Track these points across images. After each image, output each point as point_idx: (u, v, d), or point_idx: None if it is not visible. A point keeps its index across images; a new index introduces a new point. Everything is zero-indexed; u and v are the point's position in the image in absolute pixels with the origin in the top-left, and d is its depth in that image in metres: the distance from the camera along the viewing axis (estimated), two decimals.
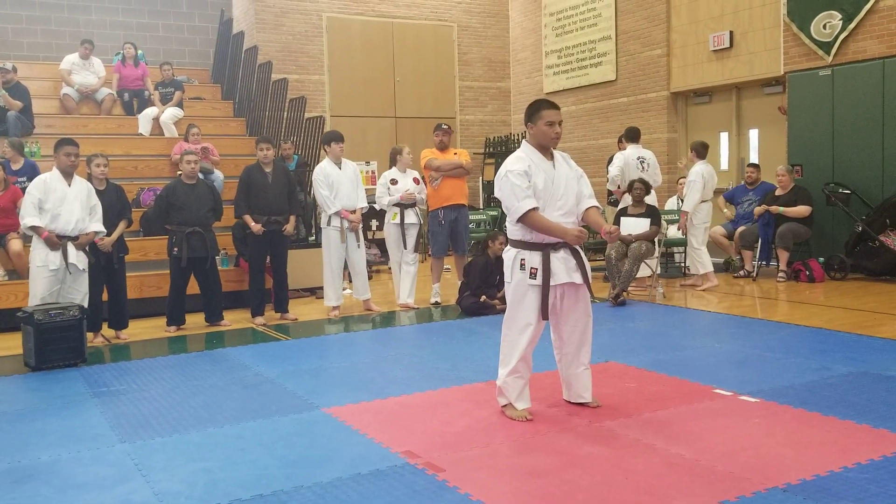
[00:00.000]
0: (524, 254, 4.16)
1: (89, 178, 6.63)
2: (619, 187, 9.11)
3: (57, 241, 6.09)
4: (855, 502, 2.98)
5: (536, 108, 4.21)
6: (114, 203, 6.67)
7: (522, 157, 4.18)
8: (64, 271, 6.14)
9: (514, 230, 4.21)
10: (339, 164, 7.68)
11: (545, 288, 4.10)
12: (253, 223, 7.30)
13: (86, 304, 6.19)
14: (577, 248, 4.23)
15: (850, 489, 3.11)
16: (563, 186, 4.18)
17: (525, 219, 4.08)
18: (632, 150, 9.14)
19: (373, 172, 12.79)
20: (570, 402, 4.43)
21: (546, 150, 4.23)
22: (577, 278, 4.18)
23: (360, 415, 4.36)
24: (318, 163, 10.17)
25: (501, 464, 3.56)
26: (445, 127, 8.23)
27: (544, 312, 4.13)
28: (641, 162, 9.06)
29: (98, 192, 6.56)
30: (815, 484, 3.17)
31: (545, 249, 4.12)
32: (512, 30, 14.98)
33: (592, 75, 13.10)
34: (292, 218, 7.62)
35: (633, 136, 9.32)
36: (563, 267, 4.14)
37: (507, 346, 4.25)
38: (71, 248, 6.16)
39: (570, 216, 4.21)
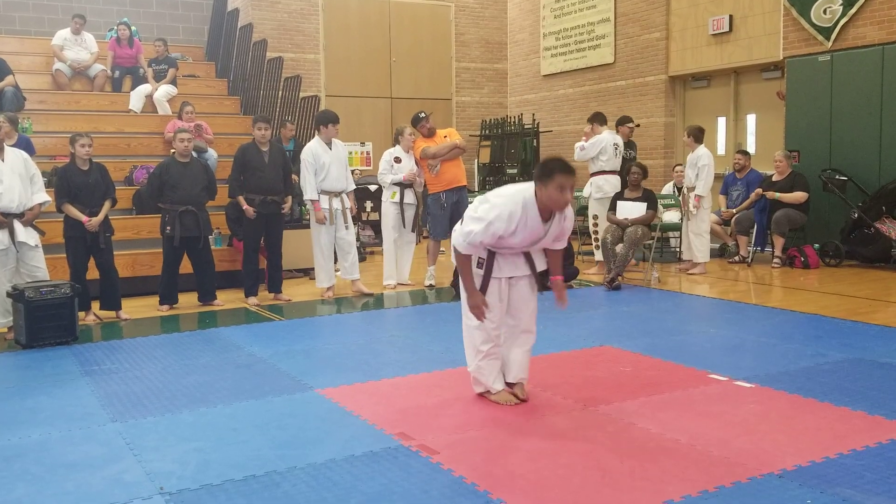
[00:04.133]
0: None
1: (73, 157, 6.53)
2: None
3: (3, 220, 5.83)
4: (850, 489, 2.98)
5: (551, 170, 3.85)
6: (98, 183, 6.56)
7: (516, 219, 3.88)
8: (13, 250, 5.92)
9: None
10: (329, 144, 7.58)
11: (486, 278, 4.06)
12: (246, 205, 7.20)
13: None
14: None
15: (846, 476, 3.10)
16: (542, 241, 4.06)
17: (459, 255, 4.03)
18: (608, 136, 9.01)
19: (368, 153, 12.70)
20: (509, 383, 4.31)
21: (548, 211, 3.95)
22: (524, 271, 4.14)
23: (354, 396, 4.34)
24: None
25: (496, 446, 3.55)
26: (424, 115, 8.14)
27: (482, 293, 4.07)
28: (616, 148, 8.99)
29: (82, 172, 6.47)
30: (810, 470, 3.16)
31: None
32: (510, 10, 14.87)
33: (590, 58, 13.03)
34: (289, 198, 7.58)
35: (604, 119, 9.21)
36: (510, 264, 4.10)
37: (472, 332, 4.17)
38: (18, 225, 5.92)
39: (538, 252, 4.17)
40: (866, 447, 3.39)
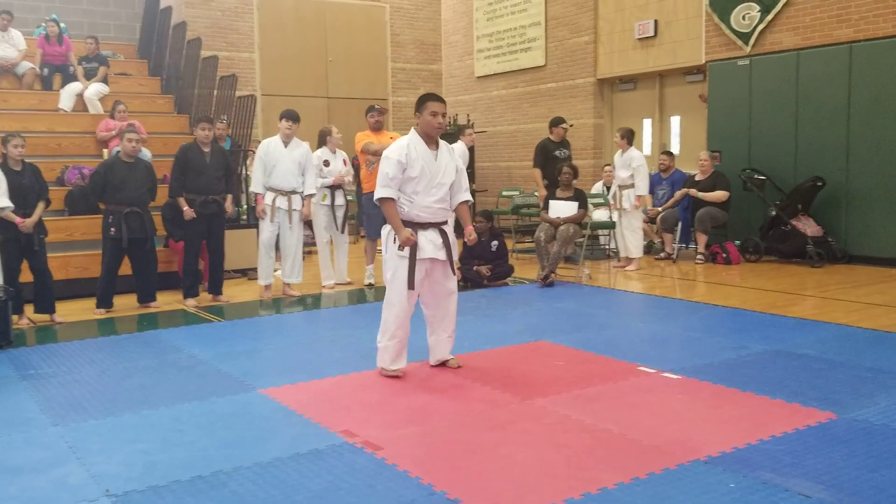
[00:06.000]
0: None
1: (4, 158, 6.42)
2: None
3: None
4: (770, 472, 3.19)
5: (424, 100, 4.65)
6: (32, 184, 6.45)
7: (404, 145, 4.57)
8: None
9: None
10: (286, 142, 7.54)
11: (412, 260, 4.56)
12: (187, 207, 7.12)
13: (1, 282, 6.00)
14: (445, 229, 4.70)
15: (766, 460, 3.31)
16: (440, 175, 4.60)
17: (381, 203, 4.58)
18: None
19: None
20: (435, 366, 4.94)
21: (431, 138, 4.63)
22: (442, 255, 4.64)
23: (298, 395, 4.40)
24: (248, 143, 10.09)
25: (438, 441, 3.66)
26: (379, 107, 8.24)
27: (410, 283, 4.58)
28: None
29: (15, 174, 6.36)
30: (733, 456, 3.37)
31: (415, 228, 4.58)
32: (444, 12, 15.01)
33: (522, 60, 13.27)
34: (229, 197, 7.50)
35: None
36: (431, 245, 4.60)
37: (386, 313, 4.70)
38: None
39: (444, 203, 4.66)
40: (784, 433, 3.62)
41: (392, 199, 4.53)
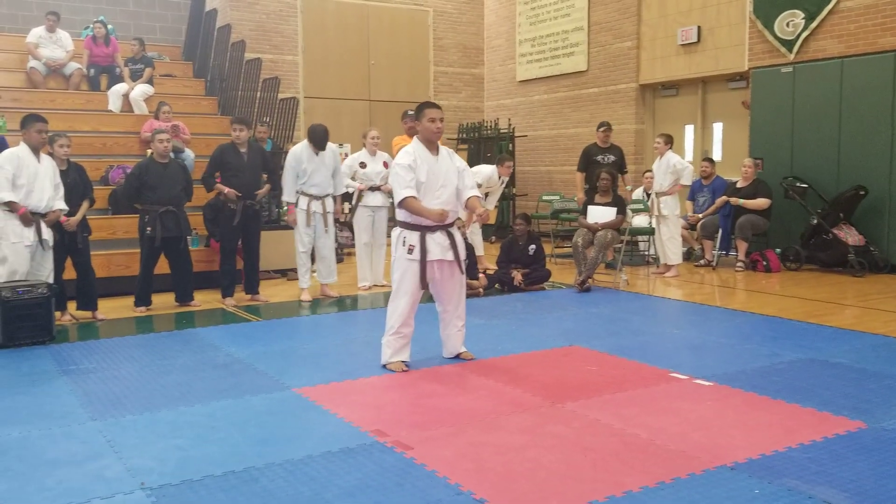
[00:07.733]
0: (406, 233, 4.89)
1: (51, 156, 6.61)
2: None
3: (31, 218, 6.05)
4: (796, 479, 3.17)
5: (422, 108, 4.96)
6: (77, 183, 6.62)
7: (410, 152, 4.87)
8: (36, 247, 6.12)
9: (399, 213, 4.92)
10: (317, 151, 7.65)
11: (422, 262, 4.83)
12: (227, 189, 7.26)
13: (51, 281, 6.18)
14: (452, 231, 4.95)
15: (792, 468, 3.29)
16: (442, 178, 4.87)
17: (403, 204, 4.80)
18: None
19: (346, 155, 12.82)
20: (448, 358, 5.20)
21: (432, 144, 4.92)
22: (449, 256, 4.91)
23: (331, 395, 4.45)
24: (285, 144, 10.22)
25: (467, 442, 3.69)
26: (412, 113, 8.26)
27: (422, 282, 4.88)
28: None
29: (60, 172, 6.53)
30: (759, 462, 3.35)
31: (423, 231, 4.85)
32: (487, 17, 15.05)
33: (564, 65, 13.24)
34: (267, 186, 7.70)
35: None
36: (438, 247, 4.86)
37: (391, 311, 4.98)
38: (42, 224, 6.14)
39: (449, 205, 4.88)
40: (813, 441, 3.59)
41: (414, 197, 4.77)
